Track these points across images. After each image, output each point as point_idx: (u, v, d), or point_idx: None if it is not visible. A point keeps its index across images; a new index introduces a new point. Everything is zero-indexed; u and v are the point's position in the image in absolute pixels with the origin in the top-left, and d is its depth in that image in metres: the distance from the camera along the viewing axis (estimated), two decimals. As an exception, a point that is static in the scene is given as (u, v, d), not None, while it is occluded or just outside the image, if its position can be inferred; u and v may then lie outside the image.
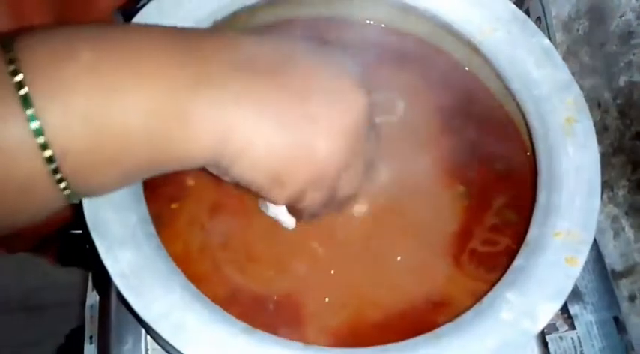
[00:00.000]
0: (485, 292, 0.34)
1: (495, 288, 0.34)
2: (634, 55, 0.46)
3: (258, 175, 0.30)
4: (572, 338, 0.47)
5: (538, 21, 0.54)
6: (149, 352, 0.39)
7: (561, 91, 0.39)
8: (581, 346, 0.46)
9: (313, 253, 0.39)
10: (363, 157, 0.33)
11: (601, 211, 0.36)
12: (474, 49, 0.42)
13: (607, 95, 0.49)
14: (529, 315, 0.32)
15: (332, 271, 0.38)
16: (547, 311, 0.32)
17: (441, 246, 0.39)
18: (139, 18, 0.38)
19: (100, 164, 0.28)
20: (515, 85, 0.40)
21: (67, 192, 0.28)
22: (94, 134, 0.27)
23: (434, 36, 0.45)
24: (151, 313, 0.30)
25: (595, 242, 0.49)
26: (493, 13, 0.41)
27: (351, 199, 0.36)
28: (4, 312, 0.77)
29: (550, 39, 0.52)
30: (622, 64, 0.47)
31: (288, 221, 0.36)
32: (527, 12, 0.55)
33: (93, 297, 0.52)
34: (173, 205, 0.39)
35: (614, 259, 0.51)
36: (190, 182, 0.40)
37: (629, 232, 0.49)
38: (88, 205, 0.33)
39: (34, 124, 0.25)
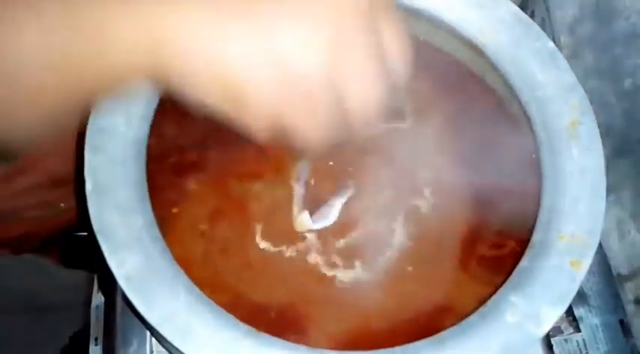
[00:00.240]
0: (491, 295, 0.34)
1: (500, 291, 0.34)
2: (639, 57, 0.46)
3: (203, 88, 0.24)
4: (577, 341, 0.46)
5: (543, 23, 0.54)
6: (154, 354, 0.39)
7: (566, 94, 0.39)
8: (586, 349, 0.46)
9: (317, 260, 0.39)
10: (374, 36, 0.24)
11: (606, 214, 0.36)
12: (477, 51, 0.42)
13: (612, 97, 0.49)
14: (533, 318, 0.32)
15: (334, 276, 0.38)
16: (551, 315, 0.32)
17: (447, 251, 0.39)
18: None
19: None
20: (520, 88, 0.40)
21: None
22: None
23: (439, 39, 0.44)
24: (156, 316, 0.31)
25: (600, 245, 0.49)
26: (497, 16, 0.41)
27: (379, 107, 0.26)
28: (8, 313, 0.77)
29: (555, 41, 0.52)
30: (627, 66, 0.47)
31: (313, 225, 0.37)
32: (531, 14, 0.55)
33: (98, 298, 0.52)
34: (174, 210, 0.39)
35: (619, 262, 0.50)
36: (191, 186, 0.40)
37: (635, 235, 0.49)
38: (93, 207, 0.33)
39: None
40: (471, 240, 0.40)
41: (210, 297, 0.33)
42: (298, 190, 0.40)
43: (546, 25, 0.53)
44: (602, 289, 0.48)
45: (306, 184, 0.40)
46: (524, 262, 0.34)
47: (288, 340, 0.34)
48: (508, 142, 0.42)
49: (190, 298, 0.32)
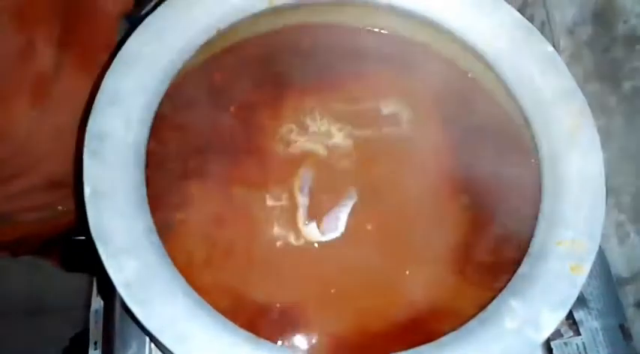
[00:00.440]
0: (490, 300, 0.34)
1: (499, 296, 0.34)
2: (639, 60, 0.46)
3: None
4: (577, 344, 0.46)
5: (542, 26, 0.54)
6: (153, 358, 0.39)
7: (565, 99, 0.39)
8: (586, 352, 0.46)
9: (318, 264, 0.39)
10: None
11: (606, 217, 0.35)
12: (477, 56, 0.42)
13: (612, 100, 0.49)
14: (533, 324, 0.32)
15: (336, 281, 0.38)
16: (551, 320, 0.32)
17: (446, 257, 0.39)
18: (143, 27, 0.38)
19: None
20: (519, 93, 0.40)
21: None
22: None
23: (438, 43, 0.44)
24: (155, 323, 0.31)
25: (600, 248, 0.49)
26: (497, 21, 0.41)
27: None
28: (9, 315, 0.77)
29: (554, 44, 0.52)
30: (627, 69, 0.47)
31: (321, 236, 0.38)
32: (531, 17, 0.55)
33: (97, 302, 0.52)
34: (178, 215, 0.39)
35: (619, 266, 0.50)
36: (194, 191, 0.40)
37: (635, 239, 0.49)
38: (91, 212, 0.33)
39: None
40: (471, 245, 0.40)
41: (212, 300, 0.33)
42: (302, 200, 0.40)
43: (546, 28, 0.53)
44: (602, 292, 0.48)
45: (310, 193, 0.40)
46: (524, 267, 0.34)
47: (289, 341, 0.34)
48: (508, 146, 0.42)
49: (189, 305, 0.31)
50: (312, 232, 0.39)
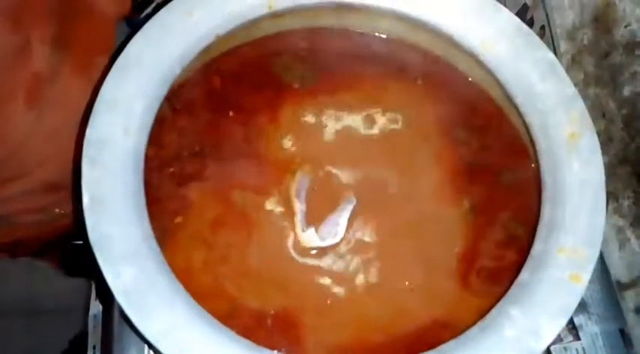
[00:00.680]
0: (491, 308, 0.34)
1: (499, 304, 0.33)
2: (639, 65, 0.46)
3: None
4: (576, 349, 0.46)
5: (542, 30, 0.53)
6: (152, 363, 0.39)
7: (566, 106, 0.39)
8: (586, 357, 0.46)
9: (315, 270, 0.39)
10: None
11: (606, 222, 0.35)
12: (477, 61, 0.42)
13: (612, 105, 0.49)
14: (533, 332, 0.32)
15: (334, 289, 0.38)
16: (551, 329, 0.32)
17: (447, 264, 0.39)
18: (143, 33, 0.38)
19: None
20: (520, 99, 0.40)
21: None
22: None
23: (438, 48, 0.44)
24: (153, 331, 0.31)
25: (600, 253, 0.49)
26: (497, 26, 0.41)
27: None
28: (7, 317, 0.77)
29: (554, 48, 0.52)
30: (627, 74, 0.47)
31: (321, 242, 0.38)
32: (531, 20, 0.55)
33: (96, 306, 0.52)
34: (177, 219, 0.39)
35: (619, 271, 0.50)
36: (194, 196, 0.40)
37: (634, 244, 0.49)
38: (90, 220, 0.33)
39: None
40: (472, 251, 0.40)
41: (209, 305, 0.33)
42: (299, 206, 0.40)
43: (546, 32, 0.53)
44: (602, 297, 0.48)
45: (307, 198, 0.40)
46: (523, 276, 0.34)
47: (286, 350, 0.34)
48: (508, 152, 0.42)
49: (187, 312, 0.31)
50: (310, 238, 0.39)
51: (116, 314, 0.41)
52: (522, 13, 0.56)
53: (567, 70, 0.41)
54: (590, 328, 0.47)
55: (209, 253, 0.39)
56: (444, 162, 0.42)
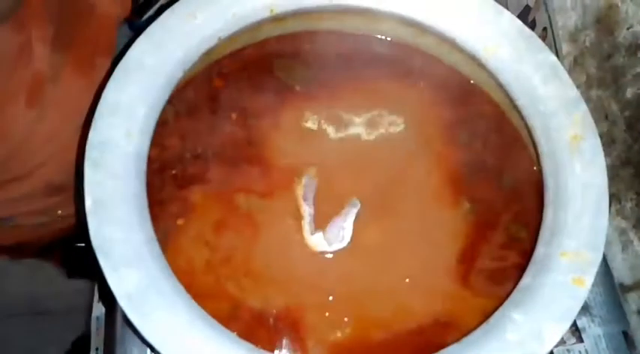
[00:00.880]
0: (494, 309, 0.34)
1: (502, 308, 0.33)
2: (642, 67, 0.46)
3: None
4: (579, 351, 0.46)
5: (544, 32, 0.53)
6: (154, 365, 0.39)
7: (568, 108, 0.39)
8: (589, 360, 0.46)
9: (317, 271, 0.39)
10: None
11: (609, 224, 0.35)
12: (479, 64, 0.42)
13: (614, 107, 0.49)
14: (536, 336, 0.32)
15: (334, 290, 0.38)
16: (554, 333, 0.32)
17: (448, 264, 0.39)
18: (145, 36, 0.38)
19: None
20: (522, 101, 0.40)
21: None
22: None
23: (440, 51, 0.44)
24: (156, 335, 0.31)
25: (603, 255, 0.48)
26: (499, 29, 0.41)
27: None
28: (10, 317, 0.77)
29: (556, 50, 0.52)
30: (630, 76, 0.47)
31: (328, 246, 0.38)
32: (533, 22, 0.55)
33: (99, 308, 0.52)
34: (179, 221, 0.39)
35: (622, 273, 0.50)
36: (196, 198, 0.40)
37: (637, 245, 0.49)
38: (92, 223, 0.33)
39: None
40: (474, 252, 0.40)
41: (211, 307, 0.33)
42: (308, 209, 0.40)
43: (548, 34, 0.53)
44: (605, 299, 0.48)
45: (314, 201, 0.40)
46: (526, 279, 0.34)
47: (288, 350, 0.34)
48: (510, 154, 0.42)
49: (190, 316, 0.31)
50: (318, 241, 0.39)
51: (119, 316, 0.41)
52: (524, 15, 0.56)
53: (569, 72, 0.41)
54: (593, 330, 0.47)
55: (211, 254, 0.39)
56: (445, 164, 0.42)
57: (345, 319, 0.37)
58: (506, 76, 0.40)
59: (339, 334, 0.37)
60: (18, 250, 0.64)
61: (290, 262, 0.39)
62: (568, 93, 0.39)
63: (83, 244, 0.44)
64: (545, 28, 0.53)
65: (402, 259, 0.39)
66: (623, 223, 0.50)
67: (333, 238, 0.39)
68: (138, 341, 0.40)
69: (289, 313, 0.37)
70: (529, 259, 0.36)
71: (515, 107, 0.41)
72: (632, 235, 0.49)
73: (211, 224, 0.39)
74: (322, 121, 0.43)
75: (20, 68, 0.46)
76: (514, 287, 0.34)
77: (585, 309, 0.47)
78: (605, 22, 0.48)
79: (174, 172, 0.41)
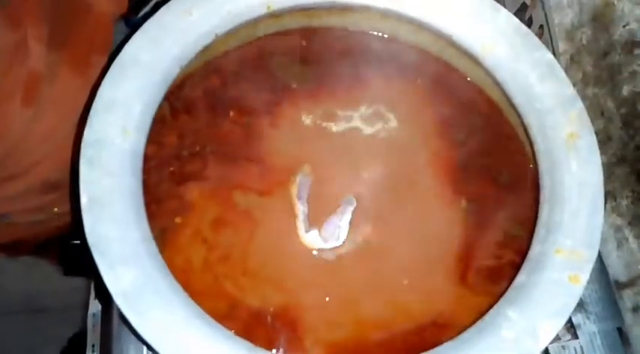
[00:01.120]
0: (490, 307, 0.34)
1: (497, 306, 0.34)
2: (638, 65, 0.46)
3: None
4: (574, 348, 0.46)
5: (541, 29, 0.53)
6: (150, 362, 0.39)
7: (564, 106, 0.39)
8: (584, 356, 0.46)
9: (315, 269, 0.39)
10: None
11: (604, 221, 0.35)
12: (476, 62, 0.42)
13: (611, 105, 0.49)
14: (531, 334, 0.32)
15: (332, 289, 0.38)
16: (549, 330, 0.32)
17: (446, 263, 0.39)
18: (142, 32, 0.38)
19: None
20: (518, 99, 0.40)
21: None
22: None
23: (437, 48, 0.44)
24: (152, 333, 0.30)
25: (598, 252, 0.49)
26: (496, 27, 0.41)
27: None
28: (7, 315, 0.77)
29: (553, 47, 0.52)
30: (626, 73, 0.47)
31: (323, 244, 0.38)
32: (529, 20, 0.55)
33: (95, 306, 0.52)
34: (177, 219, 0.39)
35: (617, 270, 0.50)
36: (193, 196, 0.40)
37: (632, 243, 0.49)
38: (88, 221, 0.33)
39: None
40: (471, 250, 0.40)
41: (209, 305, 0.33)
42: (301, 207, 0.40)
43: (544, 32, 0.53)
44: (600, 296, 0.48)
45: (308, 200, 0.40)
46: (521, 276, 0.34)
47: (285, 349, 0.34)
48: (506, 152, 0.42)
49: (187, 314, 0.31)
50: (313, 239, 0.39)
51: (115, 314, 0.41)
52: (521, 13, 0.56)
53: (566, 70, 0.41)
54: (588, 326, 0.47)
55: (209, 252, 0.39)
56: (442, 162, 0.42)
57: (343, 318, 0.37)
58: (503, 74, 0.40)
59: (336, 334, 0.37)
60: (14, 248, 0.64)
61: (288, 261, 0.39)
62: (564, 91, 0.39)
63: (79, 242, 0.44)
64: (541, 26, 0.53)
65: (399, 258, 0.39)
66: (619, 221, 0.50)
67: (329, 236, 0.39)
68: (134, 339, 0.40)
69: (287, 312, 0.37)
70: (526, 254, 0.36)
71: (512, 105, 0.41)
72: (627, 232, 0.49)
73: (209, 222, 0.39)
74: (319, 119, 0.43)
75: (16, 67, 0.46)
76: (511, 282, 0.35)
77: (580, 306, 0.47)
78: (602, 19, 0.49)
79: (171, 169, 0.40)
